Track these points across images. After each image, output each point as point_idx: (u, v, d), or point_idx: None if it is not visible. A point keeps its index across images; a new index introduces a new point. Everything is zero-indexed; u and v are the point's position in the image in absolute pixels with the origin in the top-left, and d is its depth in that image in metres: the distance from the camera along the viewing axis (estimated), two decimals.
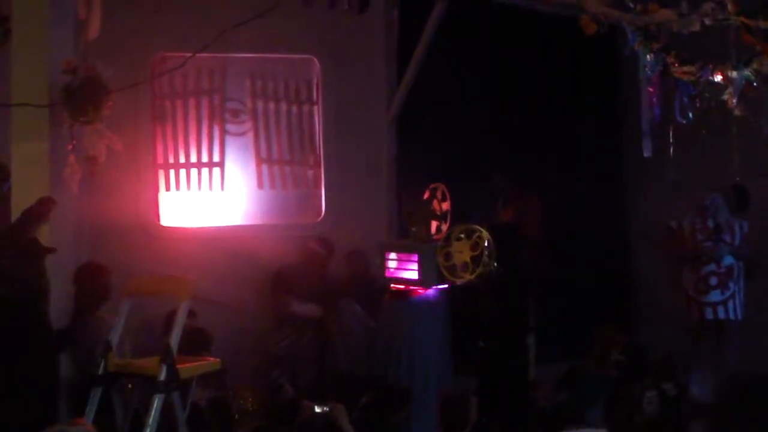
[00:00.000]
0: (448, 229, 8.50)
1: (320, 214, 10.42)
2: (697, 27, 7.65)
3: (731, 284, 9.78)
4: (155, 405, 6.55)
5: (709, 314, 9.82)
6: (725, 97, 8.25)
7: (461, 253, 8.30)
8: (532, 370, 9.17)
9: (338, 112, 10.43)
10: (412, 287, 8.63)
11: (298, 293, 9.50)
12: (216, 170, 10.07)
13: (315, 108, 10.48)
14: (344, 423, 6.74)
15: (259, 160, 10.24)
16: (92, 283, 7.98)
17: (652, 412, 7.97)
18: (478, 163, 10.64)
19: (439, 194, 8.72)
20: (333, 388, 8.65)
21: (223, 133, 10.13)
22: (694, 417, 7.84)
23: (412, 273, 8.62)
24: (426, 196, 8.82)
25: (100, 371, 6.86)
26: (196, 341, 7.93)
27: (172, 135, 9.99)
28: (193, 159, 10.03)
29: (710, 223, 9.87)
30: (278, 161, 10.32)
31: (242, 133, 10.20)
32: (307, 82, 10.46)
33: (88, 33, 7.90)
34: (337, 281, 9.81)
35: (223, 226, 10.02)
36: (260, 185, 10.25)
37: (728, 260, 9.84)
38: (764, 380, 8.63)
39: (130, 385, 7.35)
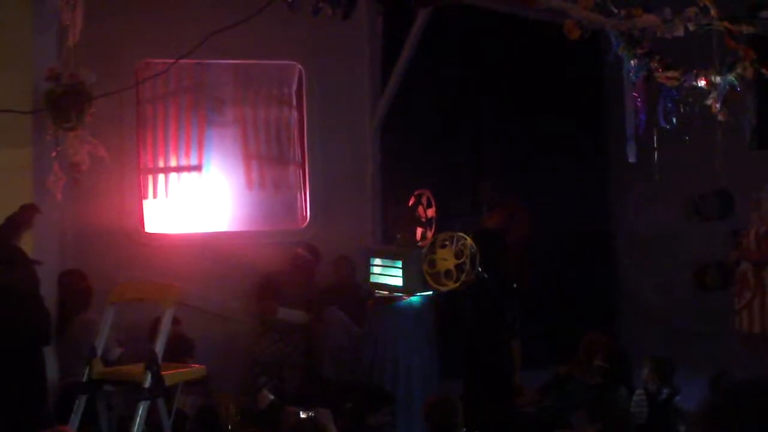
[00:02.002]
0: (433, 235, 8.49)
1: (305, 221, 10.40)
2: (680, 32, 7.65)
3: (746, 292, 9.16)
4: (140, 412, 6.53)
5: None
6: (709, 102, 8.25)
7: (445, 260, 8.28)
8: (516, 376, 9.18)
9: (322, 119, 10.40)
10: (396, 294, 8.63)
11: (284, 299, 9.47)
12: (200, 175, 10.03)
13: (299, 114, 10.45)
14: (330, 428, 6.72)
15: (247, 161, 10.18)
16: (75, 289, 7.94)
17: (639, 416, 7.96)
18: (463, 169, 10.64)
19: (424, 201, 8.71)
20: (319, 393, 8.63)
21: (204, 131, 10.02)
22: (684, 422, 7.81)
23: (396, 279, 8.62)
24: (411, 202, 8.81)
25: (85, 378, 6.83)
26: (177, 348, 7.91)
27: (155, 140, 9.94)
28: (177, 163, 9.98)
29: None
30: (263, 164, 10.28)
31: (225, 126, 10.11)
32: (290, 88, 10.44)
33: (70, 38, 7.86)
34: (323, 287, 9.80)
35: (208, 233, 9.98)
36: (249, 186, 10.17)
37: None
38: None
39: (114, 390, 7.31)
